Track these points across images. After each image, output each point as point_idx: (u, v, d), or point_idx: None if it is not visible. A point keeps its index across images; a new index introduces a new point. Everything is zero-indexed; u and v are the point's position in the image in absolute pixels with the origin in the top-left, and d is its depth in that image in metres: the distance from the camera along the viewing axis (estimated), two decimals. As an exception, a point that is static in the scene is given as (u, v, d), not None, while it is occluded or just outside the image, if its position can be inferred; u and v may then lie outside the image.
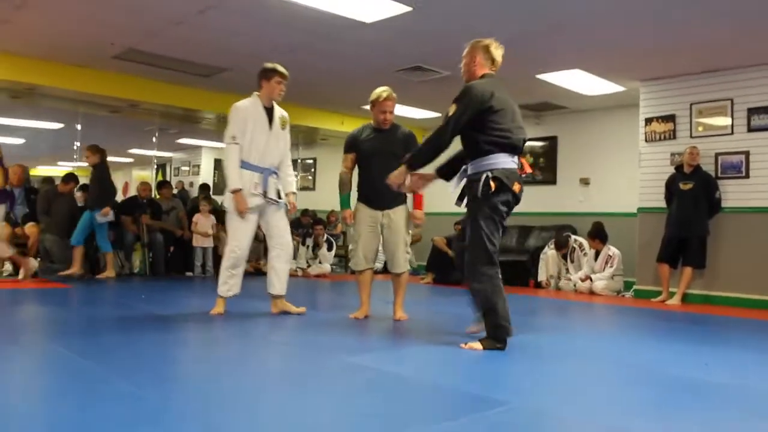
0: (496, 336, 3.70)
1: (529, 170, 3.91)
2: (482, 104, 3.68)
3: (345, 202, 4.96)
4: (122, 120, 10.56)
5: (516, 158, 3.79)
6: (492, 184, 3.64)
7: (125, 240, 8.31)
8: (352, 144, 4.92)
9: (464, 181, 3.88)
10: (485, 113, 3.69)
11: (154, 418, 2.27)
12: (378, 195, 4.75)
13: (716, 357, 3.94)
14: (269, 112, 4.84)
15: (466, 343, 3.76)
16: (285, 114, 5.00)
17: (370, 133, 4.90)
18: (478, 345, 3.71)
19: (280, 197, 4.90)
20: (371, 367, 3.24)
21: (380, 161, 4.65)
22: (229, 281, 4.94)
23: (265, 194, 4.81)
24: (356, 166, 4.97)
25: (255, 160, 4.79)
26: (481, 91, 3.71)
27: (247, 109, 4.77)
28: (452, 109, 3.72)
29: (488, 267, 3.69)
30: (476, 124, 3.70)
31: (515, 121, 3.79)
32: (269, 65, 4.84)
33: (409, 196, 4.74)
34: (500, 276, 3.74)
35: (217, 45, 6.92)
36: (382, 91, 4.82)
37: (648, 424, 2.42)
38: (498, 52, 3.98)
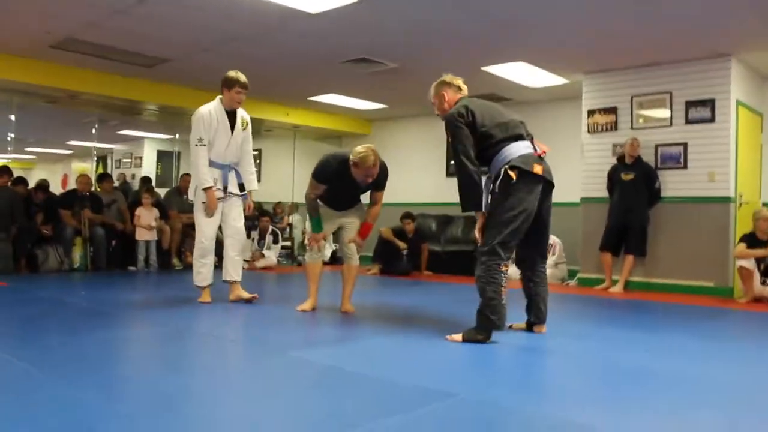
0: (479, 326, 3.71)
1: (545, 149, 3.89)
2: (465, 119, 3.79)
3: (317, 226, 4.82)
4: (60, 111, 10.24)
5: (528, 142, 3.84)
6: (512, 174, 3.67)
7: (64, 234, 8.06)
8: (324, 179, 4.65)
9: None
10: (473, 127, 3.78)
11: (97, 424, 2.20)
12: (340, 204, 4.87)
13: (656, 343, 4.05)
14: (231, 115, 5.19)
15: (450, 335, 3.78)
16: (246, 115, 5.35)
17: (344, 172, 4.54)
18: (458, 336, 3.73)
19: (242, 190, 5.32)
20: (319, 363, 3.22)
21: (348, 192, 4.79)
22: (202, 270, 5.23)
23: (225, 189, 5.22)
24: None
25: (216, 158, 5.16)
26: (457, 113, 3.83)
27: (210, 113, 5.10)
28: (452, 143, 3.82)
29: (487, 256, 3.69)
30: (475, 139, 3.79)
31: (503, 115, 3.91)
32: (231, 75, 5.12)
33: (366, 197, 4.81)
34: (501, 268, 3.69)
35: (158, 35, 6.75)
36: (368, 155, 4.41)
37: (591, 411, 2.47)
38: (458, 79, 4.12)
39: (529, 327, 4.17)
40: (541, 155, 3.84)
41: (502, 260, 3.70)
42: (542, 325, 4.14)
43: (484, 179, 3.85)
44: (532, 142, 3.87)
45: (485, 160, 3.83)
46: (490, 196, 3.80)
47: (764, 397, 2.87)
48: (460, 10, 5.82)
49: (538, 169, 3.74)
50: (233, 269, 5.32)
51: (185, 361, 3.36)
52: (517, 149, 3.77)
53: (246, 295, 5.34)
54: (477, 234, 3.84)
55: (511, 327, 4.17)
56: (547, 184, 3.88)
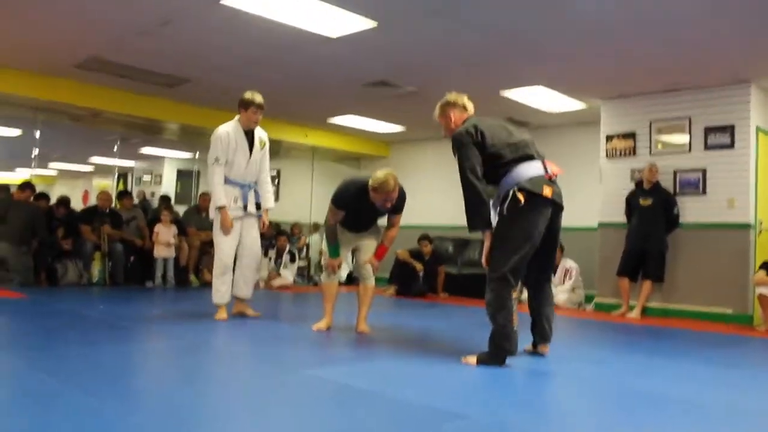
0: (492, 353, 3.67)
1: (557, 170, 3.79)
2: (474, 138, 3.71)
3: (335, 252, 4.85)
4: (83, 128, 10.39)
5: (539, 163, 3.76)
6: (520, 196, 3.60)
7: (84, 249, 8.15)
8: (344, 205, 4.67)
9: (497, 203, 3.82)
10: (481, 146, 3.71)
11: (109, 432, 2.22)
12: (357, 227, 4.89)
13: (674, 370, 4.00)
14: (249, 135, 5.29)
15: (464, 357, 3.76)
16: (264, 135, 5.45)
17: (363, 196, 4.55)
18: (473, 359, 3.70)
19: (259, 209, 5.39)
20: (331, 381, 3.22)
21: (366, 215, 4.81)
22: (221, 288, 5.29)
23: (245, 207, 5.30)
24: None
25: (236, 177, 5.27)
26: (466, 131, 3.77)
27: (228, 134, 5.20)
28: (459, 160, 3.75)
29: (496, 283, 3.65)
30: (484, 159, 3.72)
31: (513, 135, 3.82)
32: (248, 96, 5.21)
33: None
34: (512, 294, 3.66)
35: (180, 56, 6.86)
36: (387, 180, 4.40)
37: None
38: (463, 98, 4.05)
39: (534, 347, 4.12)
40: (552, 177, 3.76)
41: (512, 287, 3.66)
42: (546, 344, 4.08)
43: (492, 199, 3.79)
44: (544, 163, 3.78)
45: (494, 180, 3.75)
46: (497, 218, 3.74)
47: (781, 425, 2.84)
48: (478, 35, 5.86)
49: (547, 191, 3.65)
50: (245, 286, 5.45)
51: (200, 375, 3.38)
52: (527, 171, 3.68)
53: (250, 312, 5.50)
54: (484, 255, 3.76)
55: (524, 350, 4.13)
56: (557, 207, 3.80)
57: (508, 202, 3.64)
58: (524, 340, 3.94)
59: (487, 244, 3.75)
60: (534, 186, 3.64)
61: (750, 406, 3.12)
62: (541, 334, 4.07)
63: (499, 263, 3.66)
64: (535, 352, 4.11)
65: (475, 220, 3.71)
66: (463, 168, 3.71)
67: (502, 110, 8.49)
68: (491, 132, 3.77)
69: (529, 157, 3.76)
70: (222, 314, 5.28)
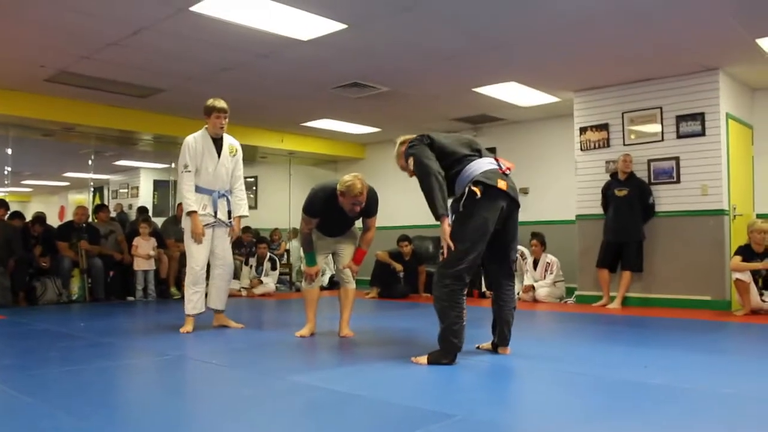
0: (443, 350, 3.70)
1: (510, 165, 3.85)
2: (424, 142, 3.83)
3: (311, 260, 4.87)
4: (56, 143, 10.29)
5: (491, 159, 3.84)
6: (476, 190, 3.64)
7: (62, 266, 8.07)
8: (314, 213, 4.67)
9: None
10: (431, 147, 3.82)
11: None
12: (333, 232, 4.89)
13: (655, 358, 4.05)
14: (217, 142, 5.28)
15: (415, 357, 3.78)
16: (234, 143, 5.42)
17: (333, 202, 4.56)
18: (423, 359, 3.73)
19: (230, 217, 5.35)
20: (318, 387, 3.22)
21: (340, 220, 4.78)
22: (193, 298, 5.24)
23: (215, 215, 5.26)
24: None
25: (205, 184, 5.25)
26: (414, 139, 3.92)
27: (195, 140, 5.22)
28: (413, 159, 3.81)
29: (451, 279, 3.66)
30: (437, 158, 3.79)
31: (462, 137, 4.01)
32: (209, 102, 5.23)
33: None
34: (464, 292, 3.69)
35: (152, 66, 6.82)
36: (354, 183, 4.39)
37: (592, 428, 2.48)
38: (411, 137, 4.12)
39: (494, 348, 4.11)
40: (506, 172, 3.81)
41: (465, 285, 3.70)
42: (506, 348, 4.07)
43: (450, 201, 3.81)
44: (496, 159, 3.87)
45: (449, 180, 3.79)
46: (454, 216, 3.75)
47: (764, 409, 2.88)
48: (449, 33, 5.89)
49: (502, 184, 3.71)
50: (218, 298, 5.44)
51: (185, 388, 3.37)
52: (481, 165, 3.76)
53: (232, 324, 5.48)
54: (448, 242, 3.67)
55: (478, 348, 4.17)
56: (512, 203, 3.83)
57: (464, 198, 3.68)
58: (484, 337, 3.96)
59: (450, 231, 3.68)
60: (489, 179, 3.70)
61: (732, 391, 3.16)
62: (499, 337, 4.06)
63: (454, 260, 3.67)
64: (495, 352, 4.09)
65: (438, 205, 3.65)
66: (418, 162, 3.76)
67: (475, 107, 8.53)
68: (439, 137, 3.91)
69: (480, 153, 3.88)
70: (188, 326, 5.23)
